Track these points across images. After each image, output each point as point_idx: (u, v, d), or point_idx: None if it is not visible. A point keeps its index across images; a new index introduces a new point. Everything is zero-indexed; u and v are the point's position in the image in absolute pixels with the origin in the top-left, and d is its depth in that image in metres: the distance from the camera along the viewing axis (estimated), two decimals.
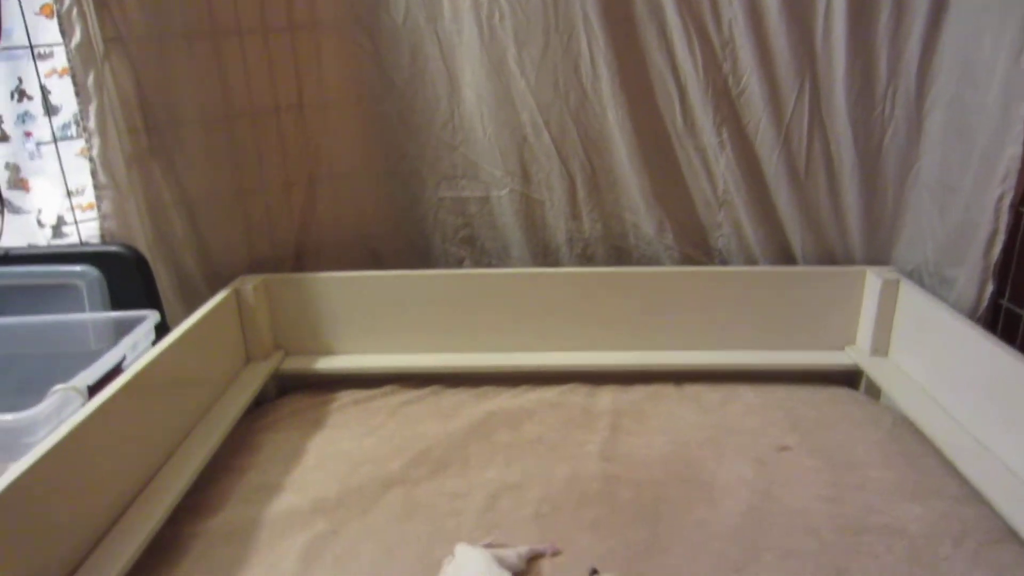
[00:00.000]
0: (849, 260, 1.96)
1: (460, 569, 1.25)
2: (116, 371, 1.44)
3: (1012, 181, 1.57)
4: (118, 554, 1.24)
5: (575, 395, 1.88)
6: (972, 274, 1.68)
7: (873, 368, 1.83)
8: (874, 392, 1.86)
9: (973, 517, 1.38)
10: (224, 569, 1.31)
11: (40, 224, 1.87)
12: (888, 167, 1.87)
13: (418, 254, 2.11)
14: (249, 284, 1.88)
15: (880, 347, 1.86)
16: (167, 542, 1.37)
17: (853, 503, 1.43)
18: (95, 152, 1.75)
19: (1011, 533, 1.32)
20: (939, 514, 1.39)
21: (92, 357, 1.42)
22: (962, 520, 1.37)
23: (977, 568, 1.26)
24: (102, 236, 1.82)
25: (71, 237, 1.89)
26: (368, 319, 1.96)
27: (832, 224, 1.94)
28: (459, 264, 2.10)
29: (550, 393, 1.89)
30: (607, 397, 1.86)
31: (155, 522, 1.32)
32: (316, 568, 1.31)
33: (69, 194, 1.87)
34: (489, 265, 2.10)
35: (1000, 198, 1.59)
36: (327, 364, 1.96)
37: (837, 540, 1.34)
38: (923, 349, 1.74)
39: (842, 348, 1.93)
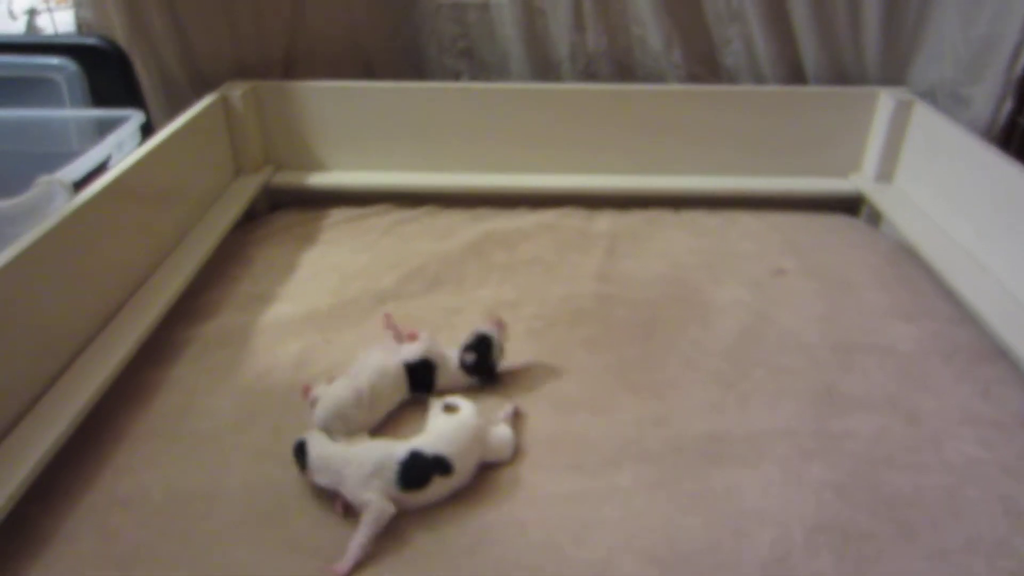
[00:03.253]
0: (862, 80, 1.87)
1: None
2: (101, 171, 1.38)
3: None
4: (111, 353, 1.23)
5: (572, 218, 1.86)
6: (990, 91, 1.61)
7: (876, 194, 1.80)
8: (875, 219, 1.84)
9: (965, 337, 1.40)
10: (219, 371, 1.32)
11: (12, 16, 1.74)
12: None
13: (413, 66, 2.00)
14: (237, 91, 1.79)
15: (885, 173, 1.82)
16: (161, 345, 1.37)
17: (846, 323, 1.45)
18: None
19: (1000, 352, 1.34)
20: (931, 334, 1.40)
21: (75, 156, 1.36)
22: (954, 339, 1.39)
23: (964, 383, 1.28)
24: (78, 26, 1.70)
25: (45, 31, 1.76)
26: (360, 134, 1.89)
27: (848, 39, 1.82)
28: (455, 78, 1.99)
29: (547, 216, 1.87)
30: (605, 221, 1.84)
31: (148, 324, 1.32)
32: (310, 373, 1.31)
33: None
34: (487, 80, 2.00)
35: None
36: (319, 180, 1.91)
37: (828, 358, 1.35)
38: (931, 173, 1.70)
39: (846, 176, 1.89)
